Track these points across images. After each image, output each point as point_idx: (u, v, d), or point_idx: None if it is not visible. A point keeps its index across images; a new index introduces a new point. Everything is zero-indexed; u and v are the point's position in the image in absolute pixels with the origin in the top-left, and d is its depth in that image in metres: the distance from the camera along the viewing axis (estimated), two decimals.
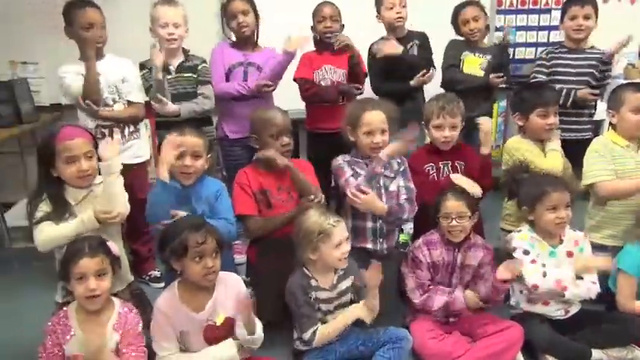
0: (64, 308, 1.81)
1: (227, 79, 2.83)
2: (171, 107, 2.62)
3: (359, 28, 2.96)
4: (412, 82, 2.93)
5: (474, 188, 2.25)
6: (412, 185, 2.31)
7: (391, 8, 2.94)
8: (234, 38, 2.95)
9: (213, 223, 1.95)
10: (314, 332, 1.98)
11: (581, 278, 2.09)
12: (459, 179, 2.30)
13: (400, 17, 2.95)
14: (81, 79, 2.46)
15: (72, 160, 1.90)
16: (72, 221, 1.88)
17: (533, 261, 2.10)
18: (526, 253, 2.13)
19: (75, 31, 2.49)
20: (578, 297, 2.10)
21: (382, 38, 3.01)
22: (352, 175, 2.23)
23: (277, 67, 2.74)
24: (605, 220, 2.39)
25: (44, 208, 1.91)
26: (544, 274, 2.06)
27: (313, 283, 2.03)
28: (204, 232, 1.81)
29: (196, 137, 2.09)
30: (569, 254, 2.15)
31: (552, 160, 2.36)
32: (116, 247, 1.85)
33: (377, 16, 3.03)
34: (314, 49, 2.98)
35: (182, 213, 2.01)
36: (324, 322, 2.04)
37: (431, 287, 2.20)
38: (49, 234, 1.87)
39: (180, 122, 2.50)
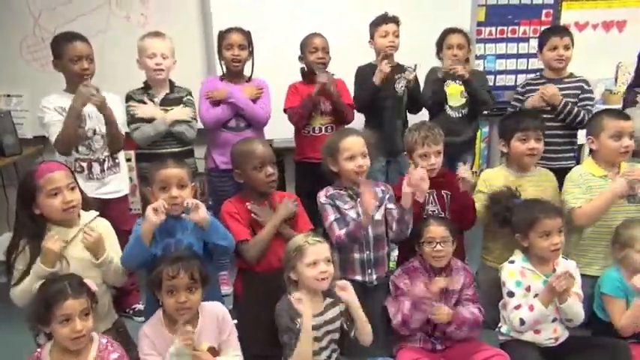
0: (38, 350, 1.74)
1: None
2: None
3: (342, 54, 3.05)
4: (375, 79, 2.94)
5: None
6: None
7: (384, 36, 3.01)
8: (223, 68, 2.93)
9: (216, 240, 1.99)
10: None
11: None
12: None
13: (392, 46, 3.02)
14: (61, 122, 2.45)
15: (55, 193, 1.88)
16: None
17: (517, 306, 2.10)
18: (510, 295, 2.13)
19: (63, 64, 2.50)
20: (571, 311, 2.08)
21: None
22: (335, 220, 2.23)
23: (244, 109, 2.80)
24: (580, 248, 2.42)
25: (20, 266, 1.88)
26: (521, 322, 2.07)
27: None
28: (177, 266, 1.78)
29: (179, 168, 2.06)
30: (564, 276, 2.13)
31: None
32: (93, 283, 1.80)
33: (369, 42, 3.09)
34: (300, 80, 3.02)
35: None
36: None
37: None
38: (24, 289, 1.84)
39: (161, 155, 2.50)
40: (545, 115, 2.70)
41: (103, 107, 2.45)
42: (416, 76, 3.07)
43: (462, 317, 2.13)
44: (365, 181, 2.19)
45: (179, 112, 2.72)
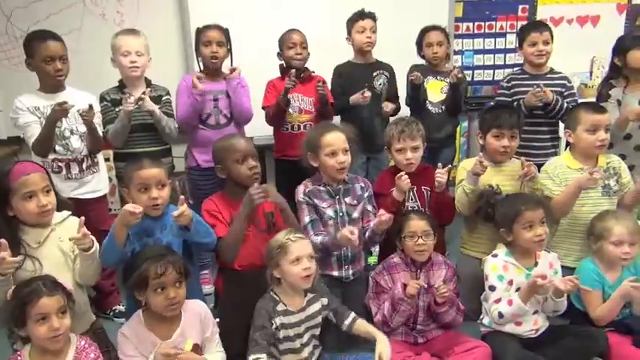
0: (18, 352, 1.71)
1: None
2: (150, 105, 2.60)
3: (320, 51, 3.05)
4: (351, 98, 2.94)
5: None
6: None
7: (362, 32, 3.01)
8: (200, 65, 2.88)
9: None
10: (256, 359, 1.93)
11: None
12: None
13: (369, 42, 3.02)
14: (37, 122, 2.42)
15: (30, 196, 1.83)
16: None
17: (497, 300, 2.13)
18: (492, 288, 2.16)
19: (36, 64, 2.44)
20: (555, 305, 2.12)
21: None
22: (311, 221, 2.24)
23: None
24: (556, 240, 2.47)
25: None
26: (500, 315, 2.10)
27: (280, 307, 2.00)
28: (164, 262, 1.77)
29: (157, 167, 2.04)
30: (544, 277, 2.14)
31: None
32: (68, 282, 1.78)
33: (347, 38, 3.09)
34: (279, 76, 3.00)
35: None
36: (292, 349, 2.00)
37: None
38: None
39: (138, 154, 2.46)
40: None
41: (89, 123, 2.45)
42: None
43: (452, 297, 2.16)
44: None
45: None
